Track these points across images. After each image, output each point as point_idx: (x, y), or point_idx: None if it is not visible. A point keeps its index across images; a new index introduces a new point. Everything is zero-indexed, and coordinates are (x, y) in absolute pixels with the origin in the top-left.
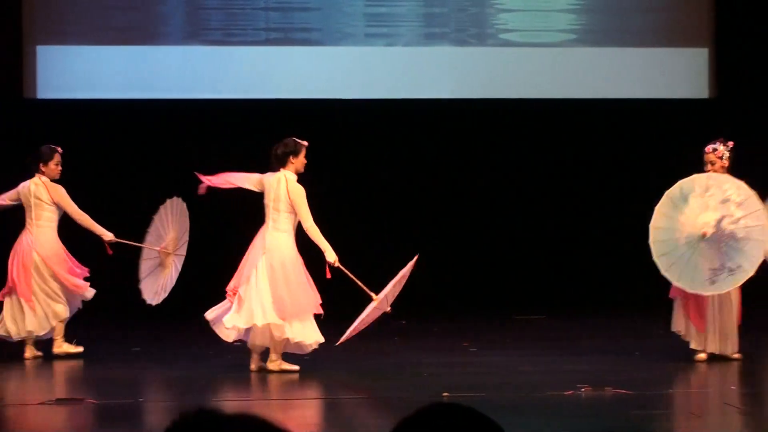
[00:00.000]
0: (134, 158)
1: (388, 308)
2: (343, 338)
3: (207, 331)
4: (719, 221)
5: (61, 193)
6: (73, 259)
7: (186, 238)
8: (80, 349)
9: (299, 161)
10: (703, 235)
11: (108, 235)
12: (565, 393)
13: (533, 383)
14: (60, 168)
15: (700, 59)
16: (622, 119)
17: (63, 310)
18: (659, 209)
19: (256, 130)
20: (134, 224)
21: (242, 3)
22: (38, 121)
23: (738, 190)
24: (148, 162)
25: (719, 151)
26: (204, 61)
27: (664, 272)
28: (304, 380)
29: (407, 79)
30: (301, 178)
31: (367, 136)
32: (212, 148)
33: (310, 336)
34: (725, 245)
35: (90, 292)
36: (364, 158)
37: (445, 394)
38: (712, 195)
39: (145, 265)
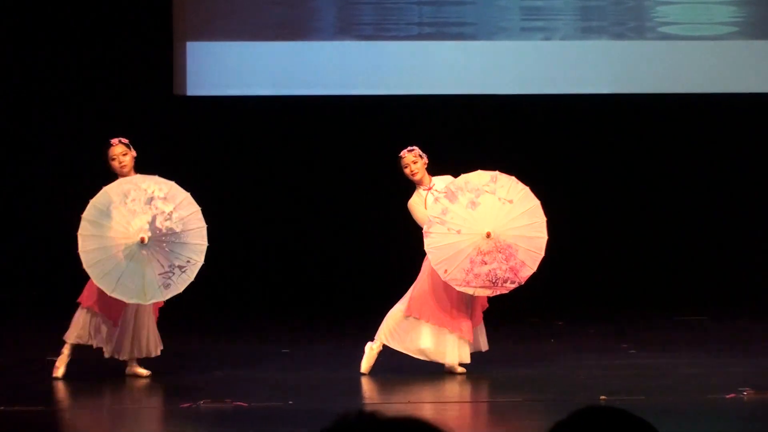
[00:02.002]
0: (286, 155)
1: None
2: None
3: (353, 333)
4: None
5: None
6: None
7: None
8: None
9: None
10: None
11: None
12: (727, 396)
13: (693, 386)
14: (117, 163)
15: None
16: None
17: None
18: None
19: (409, 126)
20: (293, 223)
21: None
22: (188, 118)
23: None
24: (299, 159)
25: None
26: (356, 57)
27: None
28: (459, 382)
29: (564, 73)
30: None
31: (523, 131)
32: (366, 144)
33: None
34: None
35: None
36: (519, 153)
37: (603, 397)
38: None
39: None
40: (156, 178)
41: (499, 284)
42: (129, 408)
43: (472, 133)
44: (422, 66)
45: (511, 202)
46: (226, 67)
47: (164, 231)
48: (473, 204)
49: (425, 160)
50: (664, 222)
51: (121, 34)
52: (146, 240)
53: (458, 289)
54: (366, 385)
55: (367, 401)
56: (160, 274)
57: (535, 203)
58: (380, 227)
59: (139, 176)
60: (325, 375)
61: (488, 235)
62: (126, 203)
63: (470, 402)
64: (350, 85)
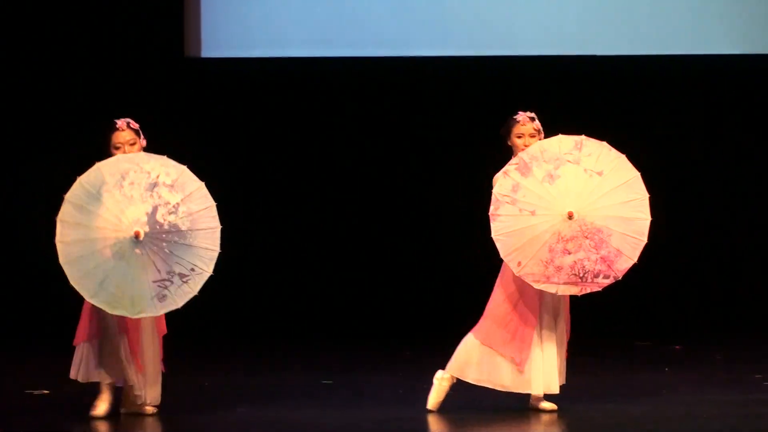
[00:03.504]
0: (328, 134)
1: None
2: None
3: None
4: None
5: None
6: None
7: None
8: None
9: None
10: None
11: None
12: None
13: None
14: (120, 153)
15: None
16: None
17: None
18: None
19: (484, 95)
20: (333, 218)
21: None
22: (203, 87)
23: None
24: (346, 138)
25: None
26: (421, 8)
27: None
28: (544, 423)
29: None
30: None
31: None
32: (430, 119)
33: None
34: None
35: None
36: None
37: None
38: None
39: None
40: (164, 159)
41: (589, 279)
42: None
43: (576, 98)
44: (508, 21)
45: (600, 174)
46: (251, 21)
47: (166, 227)
48: (551, 177)
49: (542, 136)
50: None
51: None
52: (141, 236)
53: (537, 286)
54: (434, 425)
55: None
56: (155, 282)
57: (634, 175)
58: (453, 223)
59: (142, 154)
60: (377, 414)
61: (570, 216)
62: (122, 186)
63: None
64: (413, 44)
